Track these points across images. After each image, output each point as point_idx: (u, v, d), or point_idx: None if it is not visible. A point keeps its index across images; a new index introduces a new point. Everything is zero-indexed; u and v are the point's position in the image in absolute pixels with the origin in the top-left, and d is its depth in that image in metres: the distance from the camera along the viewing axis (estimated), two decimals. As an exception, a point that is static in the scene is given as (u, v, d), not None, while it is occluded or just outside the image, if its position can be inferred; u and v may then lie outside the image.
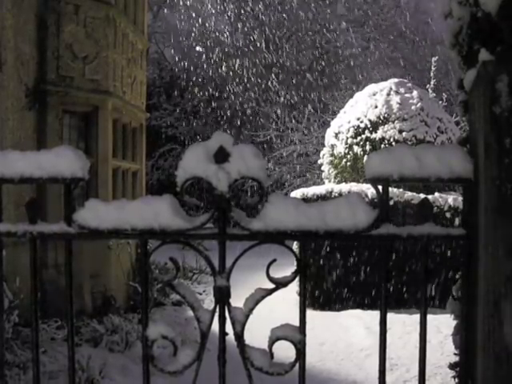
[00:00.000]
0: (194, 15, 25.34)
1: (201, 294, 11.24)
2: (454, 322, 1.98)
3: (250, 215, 1.73)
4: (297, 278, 1.72)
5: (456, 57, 2.16)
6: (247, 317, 1.70)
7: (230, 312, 1.70)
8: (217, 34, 25.32)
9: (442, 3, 2.23)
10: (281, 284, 1.70)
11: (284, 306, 8.67)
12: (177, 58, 24.57)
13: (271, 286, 1.74)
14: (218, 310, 1.72)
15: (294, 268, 1.75)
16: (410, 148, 1.64)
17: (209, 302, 9.82)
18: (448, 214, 9.78)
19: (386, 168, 1.60)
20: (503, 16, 1.67)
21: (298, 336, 1.71)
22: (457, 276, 2.56)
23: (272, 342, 1.70)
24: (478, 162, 1.66)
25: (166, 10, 27.24)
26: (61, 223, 1.70)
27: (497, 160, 1.59)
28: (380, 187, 1.66)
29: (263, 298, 1.70)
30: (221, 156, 1.58)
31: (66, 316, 1.78)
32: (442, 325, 7.71)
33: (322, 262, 9.88)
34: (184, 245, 1.74)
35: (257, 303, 1.70)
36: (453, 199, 9.82)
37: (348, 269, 9.85)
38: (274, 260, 1.67)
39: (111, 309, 8.26)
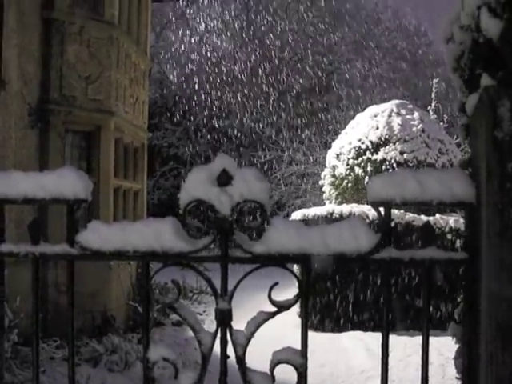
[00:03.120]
0: (196, 36, 25.56)
1: (201, 314, 11.18)
2: (456, 345, 1.97)
3: (253, 237, 1.73)
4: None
5: (458, 80, 2.17)
6: (249, 340, 1.69)
7: (231, 335, 1.70)
8: (219, 54, 25.52)
9: (443, 27, 2.25)
10: (283, 307, 1.69)
11: (285, 326, 8.62)
12: (178, 78, 24.74)
13: (273, 307, 1.73)
14: (219, 332, 1.71)
15: (295, 288, 1.74)
16: (412, 172, 1.64)
17: (209, 322, 9.76)
18: (449, 236, 9.76)
19: (388, 192, 1.60)
20: (505, 42, 1.68)
21: (299, 359, 1.70)
22: (458, 299, 2.54)
23: (273, 366, 1.69)
24: (480, 186, 1.66)
25: (168, 31, 27.48)
26: (63, 244, 1.70)
27: (499, 184, 1.59)
28: (382, 210, 1.66)
29: (265, 321, 1.69)
30: (224, 179, 1.59)
31: (67, 336, 1.78)
32: (444, 347, 7.65)
33: (323, 283, 9.84)
34: (186, 267, 1.74)
35: (259, 326, 1.69)
36: (454, 221, 9.81)
37: (349, 290, 9.81)
38: (276, 283, 1.67)
39: (111, 328, 8.21)
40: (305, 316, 1.71)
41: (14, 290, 5.91)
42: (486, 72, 1.79)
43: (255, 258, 1.64)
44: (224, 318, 1.69)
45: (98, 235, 1.65)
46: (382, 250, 1.64)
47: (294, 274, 1.73)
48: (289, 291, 2.67)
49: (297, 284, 1.72)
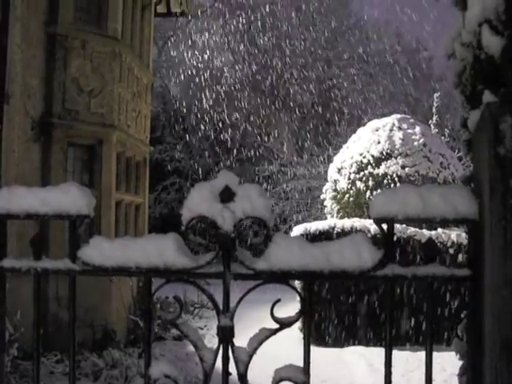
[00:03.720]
0: (198, 49, 25.69)
1: (202, 328, 11.12)
2: (459, 361, 1.95)
3: (255, 252, 1.73)
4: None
5: (459, 96, 2.18)
6: (251, 357, 1.68)
7: (233, 352, 1.69)
8: (221, 68, 25.64)
9: (444, 44, 2.26)
10: (285, 324, 1.68)
11: (286, 341, 8.57)
12: (180, 92, 24.84)
13: (274, 322, 1.72)
14: (221, 349, 1.70)
15: (296, 302, 1.74)
16: (415, 188, 1.64)
17: (210, 337, 9.70)
18: (451, 250, 9.73)
19: (390, 208, 1.60)
20: (506, 59, 1.69)
21: (301, 377, 1.69)
22: (462, 315, 2.53)
23: (275, 383, 1.68)
24: (483, 202, 1.66)
25: (170, 45, 27.64)
26: (65, 260, 1.70)
27: (502, 201, 1.59)
28: (385, 227, 1.66)
29: (267, 337, 1.68)
30: (226, 195, 1.59)
31: (67, 351, 1.77)
32: (447, 363, 7.59)
33: (324, 298, 9.80)
34: (188, 283, 1.74)
35: (261, 343, 1.68)
36: (456, 235, 9.78)
37: (351, 305, 9.77)
38: (279, 300, 1.66)
39: (111, 342, 8.17)
40: (307, 333, 1.70)
41: (15, 304, 5.90)
42: (487, 89, 1.79)
43: (257, 274, 1.63)
44: (226, 335, 1.68)
45: (100, 251, 1.65)
46: (385, 266, 1.64)
47: (297, 291, 1.72)
48: (289, 305, 2.67)
49: (298, 299, 1.71)
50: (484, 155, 1.71)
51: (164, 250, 1.61)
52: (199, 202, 1.60)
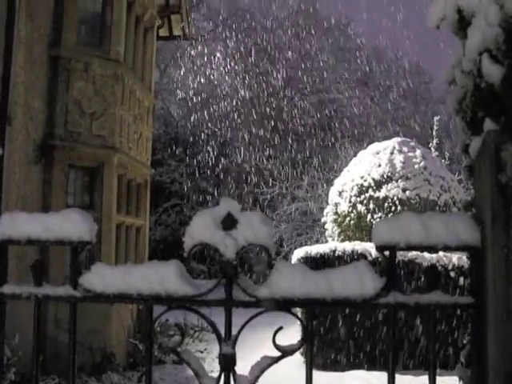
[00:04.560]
0: (199, 72, 25.88)
1: (202, 352, 11.04)
2: (462, 386, 1.94)
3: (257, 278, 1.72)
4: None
5: (460, 122, 2.19)
6: (253, 385, 1.67)
7: (235, 380, 1.67)
8: (222, 91, 25.80)
9: (445, 70, 2.28)
10: (287, 353, 1.67)
11: (287, 365, 8.49)
12: (182, 115, 24.98)
13: (276, 349, 1.71)
14: (223, 377, 1.69)
15: (297, 326, 1.73)
16: (417, 215, 1.64)
17: (210, 360, 9.63)
18: (452, 273, 9.68)
19: (392, 235, 1.60)
20: (506, 87, 1.70)
21: (303, 405, 1.67)
22: (464, 341, 2.51)
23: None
24: (485, 230, 1.65)
25: (172, 68, 27.85)
26: (66, 286, 1.69)
27: (504, 229, 1.59)
28: (387, 253, 1.66)
29: (269, 366, 1.67)
30: (228, 223, 1.59)
31: (66, 375, 1.75)
32: (449, 388, 7.52)
33: (326, 322, 9.73)
34: (190, 311, 1.73)
35: (263, 371, 1.66)
36: (457, 258, 9.75)
37: (352, 329, 9.69)
38: (281, 328, 1.65)
39: (110, 366, 8.10)
40: (310, 361, 1.68)
41: (13, 327, 5.85)
42: (488, 116, 1.80)
43: (260, 302, 1.63)
44: (228, 363, 1.67)
45: (101, 278, 1.64)
46: (388, 294, 1.63)
47: (299, 319, 1.71)
48: (289, 328, 2.64)
49: (298, 322, 1.70)
50: (485, 182, 1.72)
51: (166, 277, 1.61)
52: (201, 229, 1.60)
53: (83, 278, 1.67)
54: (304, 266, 1.67)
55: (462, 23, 1.95)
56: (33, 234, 1.67)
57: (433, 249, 1.64)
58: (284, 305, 1.64)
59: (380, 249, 1.64)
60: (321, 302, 1.61)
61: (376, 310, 9.19)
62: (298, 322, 1.71)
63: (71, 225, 1.66)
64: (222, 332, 1.69)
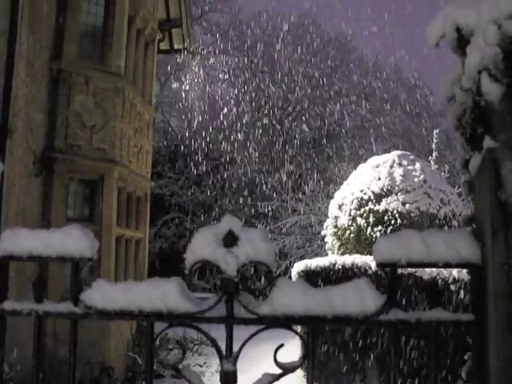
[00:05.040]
0: (199, 85, 25.98)
1: (201, 366, 10.98)
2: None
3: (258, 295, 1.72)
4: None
5: (460, 138, 2.21)
6: (254, 403, 1.67)
7: (236, 397, 1.67)
8: (222, 103, 25.88)
9: (444, 87, 2.29)
10: (288, 370, 1.67)
11: (288, 377, 8.44)
12: (182, 127, 25.04)
13: (276, 362, 1.70)
14: (223, 395, 1.68)
15: (296, 341, 1.73)
16: (418, 233, 1.65)
17: (209, 374, 9.58)
18: (453, 287, 9.65)
19: (394, 253, 1.61)
20: (505, 105, 1.72)
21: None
22: (465, 357, 2.51)
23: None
24: (485, 246, 1.66)
25: (172, 81, 27.96)
26: (67, 302, 1.69)
27: (504, 245, 1.60)
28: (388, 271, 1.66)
29: (270, 383, 1.67)
30: (229, 240, 1.59)
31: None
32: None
33: (327, 339, 9.68)
34: (191, 327, 1.73)
35: (264, 389, 1.66)
36: (457, 271, 9.70)
37: (354, 347, 9.64)
38: (282, 345, 1.65)
39: (109, 380, 8.05)
40: (311, 378, 1.68)
41: (11, 341, 5.83)
42: (487, 134, 1.82)
43: (261, 319, 1.63)
44: (229, 380, 1.66)
45: (102, 294, 1.65)
46: (389, 311, 1.64)
47: (301, 336, 1.71)
48: (290, 343, 2.63)
49: (300, 342, 1.70)
50: (485, 199, 1.72)
51: (167, 294, 1.61)
52: (203, 246, 1.60)
53: (84, 294, 1.67)
54: (305, 283, 1.67)
55: (461, 41, 1.97)
56: (34, 250, 1.68)
57: (434, 266, 1.65)
58: (285, 322, 1.64)
59: (381, 266, 1.64)
60: (322, 319, 1.61)
61: (377, 327, 9.15)
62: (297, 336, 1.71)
63: (73, 241, 1.66)
64: (223, 348, 1.69)
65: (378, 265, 1.65)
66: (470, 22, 1.89)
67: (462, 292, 9.50)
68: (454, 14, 1.99)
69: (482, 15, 1.81)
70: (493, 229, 1.62)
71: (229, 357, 1.67)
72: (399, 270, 6.38)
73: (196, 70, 26.13)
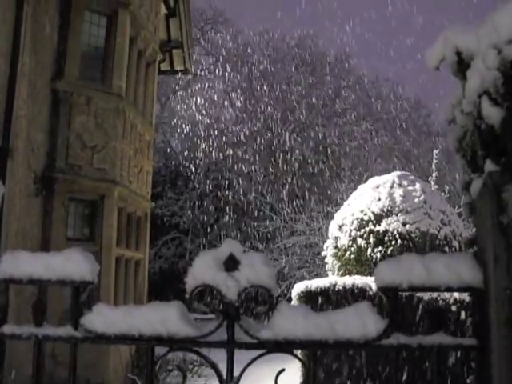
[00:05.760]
0: (199, 105, 26.10)
1: (201, 387, 10.87)
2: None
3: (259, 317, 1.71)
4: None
5: (460, 160, 2.21)
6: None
7: (237, 423, 1.65)
8: (222, 124, 25.98)
9: (445, 109, 2.30)
10: (289, 395, 1.65)
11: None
12: (182, 148, 25.11)
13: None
14: (224, 420, 1.66)
15: (298, 363, 1.71)
16: (419, 257, 1.64)
17: (208, 396, 9.48)
18: (454, 308, 9.59)
19: (395, 277, 1.60)
20: (506, 129, 1.72)
21: None
22: (468, 381, 2.49)
23: None
24: (487, 270, 1.65)
25: (173, 101, 28.10)
26: (67, 326, 1.68)
27: (506, 270, 1.59)
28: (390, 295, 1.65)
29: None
30: (230, 264, 1.59)
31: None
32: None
33: (328, 362, 9.59)
34: (191, 352, 1.71)
35: (264, 414, 1.64)
36: (458, 292, 9.68)
37: (355, 369, 9.55)
38: (283, 370, 1.64)
39: (107, 402, 7.98)
40: (312, 403, 1.66)
41: (10, 363, 5.78)
42: (488, 157, 1.82)
43: (262, 343, 1.62)
44: (229, 405, 1.65)
45: (103, 318, 1.63)
46: (390, 335, 1.62)
47: (302, 362, 1.70)
48: (290, 365, 2.61)
49: (300, 365, 1.69)
50: (487, 222, 1.72)
51: (167, 319, 1.60)
52: (204, 270, 1.59)
53: (84, 318, 1.66)
54: (306, 308, 1.66)
55: (461, 65, 1.98)
56: (35, 273, 1.67)
57: (435, 290, 1.64)
58: (286, 346, 1.63)
59: (382, 290, 1.63)
60: (323, 343, 1.60)
61: (379, 352, 9.08)
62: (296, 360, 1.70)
63: (73, 265, 1.65)
64: (223, 372, 1.67)
65: (379, 289, 1.64)
66: (469, 46, 1.90)
67: (462, 313, 9.45)
68: (454, 38, 2.00)
69: (481, 39, 1.82)
70: (495, 253, 1.62)
71: (230, 381, 1.65)
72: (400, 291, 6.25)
73: (196, 90, 26.27)
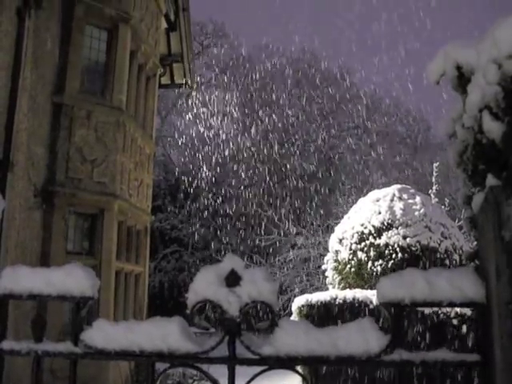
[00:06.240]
0: (200, 119, 26.16)
1: (200, 402, 10.79)
2: None
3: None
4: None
5: (461, 174, 2.21)
6: None
7: None
8: (222, 138, 26.02)
9: (445, 124, 2.30)
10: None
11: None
12: (182, 161, 25.13)
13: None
14: None
15: (299, 378, 1.70)
16: (422, 272, 1.64)
17: (208, 411, 9.39)
18: (455, 321, 9.55)
19: (397, 292, 1.59)
20: (507, 143, 1.72)
21: None
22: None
23: None
24: (489, 285, 1.64)
25: (173, 115, 28.18)
26: (67, 342, 1.67)
27: (508, 284, 1.58)
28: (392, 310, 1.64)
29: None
30: (232, 279, 1.58)
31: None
32: None
33: (329, 378, 9.53)
34: (192, 368, 1.70)
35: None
36: (461, 307, 9.63)
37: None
38: (284, 387, 1.62)
39: (106, 417, 7.91)
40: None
41: (8, 377, 5.74)
42: (490, 172, 1.81)
43: (263, 359, 1.60)
44: (230, 422, 1.63)
45: (103, 334, 1.62)
46: (393, 351, 1.61)
47: (304, 377, 1.69)
48: (289, 379, 2.58)
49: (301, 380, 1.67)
50: (489, 236, 1.71)
51: (168, 334, 1.59)
52: (205, 285, 1.59)
53: (85, 333, 1.65)
54: (307, 324, 1.65)
55: (462, 80, 1.99)
56: (35, 288, 1.66)
57: (438, 305, 1.63)
58: (288, 362, 1.61)
59: (384, 305, 1.62)
60: (325, 359, 1.59)
61: (381, 368, 9.03)
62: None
63: (73, 280, 1.65)
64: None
65: (381, 304, 1.63)
66: (470, 61, 1.91)
67: (464, 326, 9.40)
68: (455, 53, 2.01)
69: (481, 54, 1.83)
70: (497, 268, 1.61)
71: (231, 398, 1.64)
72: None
73: (196, 103, 26.35)
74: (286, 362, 1.62)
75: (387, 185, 13.25)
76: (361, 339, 1.58)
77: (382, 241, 10.87)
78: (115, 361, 8.33)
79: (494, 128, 1.73)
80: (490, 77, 1.69)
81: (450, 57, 2.02)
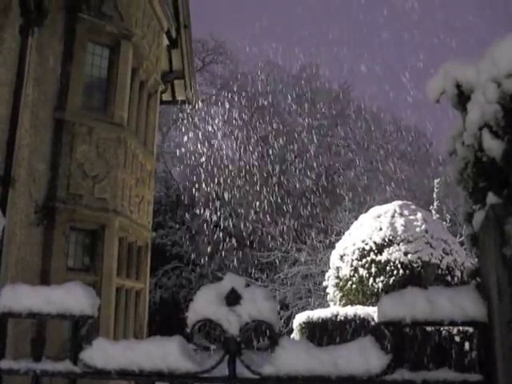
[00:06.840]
0: (201, 135, 26.23)
1: (200, 420, 10.67)
2: None
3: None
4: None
5: (462, 191, 2.21)
6: None
7: None
8: (223, 154, 26.08)
9: (446, 141, 2.31)
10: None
11: None
12: (183, 177, 25.15)
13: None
14: None
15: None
16: (423, 291, 1.63)
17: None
18: (457, 338, 9.49)
19: (398, 311, 1.58)
20: (508, 161, 1.72)
21: None
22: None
23: None
24: (491, 304, 1.64)
25: (174, 131, 28.26)
26: (66, 361, 1.66)
27: (510, 303, 1.58)
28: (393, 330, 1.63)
29: None
30: (232, 298, 1.57)
31: None
32: None
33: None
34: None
35: None
36: (462, 326, 9.57)
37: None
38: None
39: None
40: None
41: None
42: (491, 190, 1.82)
43: (264, 379, 1.59)
44: None
45: (103, 353, 1.61)
46: (394, 371, 1.60)
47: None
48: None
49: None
50: (490, 254, 1.71)
51: (168, 354, 1.58)
52: (205, 304, 1.58)
53: (84, 353, 1.64)
54: (308, 343, 1.64)
55: (462, 98, 2.00)
56: (34, 307, 1.65)
57: (439, 324, 1.62)
58: (288, 382, 1.60)
59: (385, 325, 1.61)
60: (325, 379, 1.57)
61: None
62: None
63: (73, 299, 1.64)
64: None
65: (382, 323, 1.62)
66: (469, 79, 1.92)
67: (467, 344, 9.34)
68: (454, 71, 2.02)
69: (481, 73, 1.84)
70: (498, 287, 1.60)
71: (231, 418, 1.62)
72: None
73: (197, 120, 26.44)
74: (286, 382, 1.60)
75: (388, 201, 13.24)
76: (362, 359, 1.57)
77: (383, 257, 10.84)
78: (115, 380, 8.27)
79: (494, 146, 1.73)
80: (490, 95, 1.70)
81: (449, 75, 2.03)
